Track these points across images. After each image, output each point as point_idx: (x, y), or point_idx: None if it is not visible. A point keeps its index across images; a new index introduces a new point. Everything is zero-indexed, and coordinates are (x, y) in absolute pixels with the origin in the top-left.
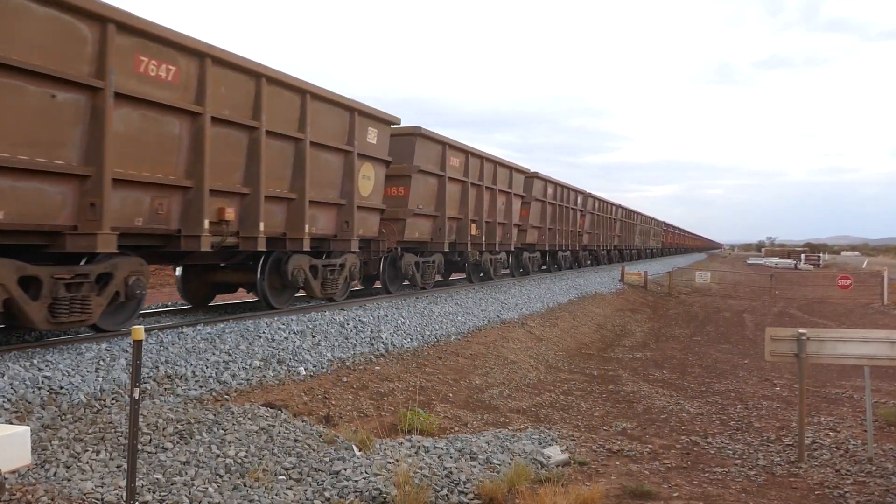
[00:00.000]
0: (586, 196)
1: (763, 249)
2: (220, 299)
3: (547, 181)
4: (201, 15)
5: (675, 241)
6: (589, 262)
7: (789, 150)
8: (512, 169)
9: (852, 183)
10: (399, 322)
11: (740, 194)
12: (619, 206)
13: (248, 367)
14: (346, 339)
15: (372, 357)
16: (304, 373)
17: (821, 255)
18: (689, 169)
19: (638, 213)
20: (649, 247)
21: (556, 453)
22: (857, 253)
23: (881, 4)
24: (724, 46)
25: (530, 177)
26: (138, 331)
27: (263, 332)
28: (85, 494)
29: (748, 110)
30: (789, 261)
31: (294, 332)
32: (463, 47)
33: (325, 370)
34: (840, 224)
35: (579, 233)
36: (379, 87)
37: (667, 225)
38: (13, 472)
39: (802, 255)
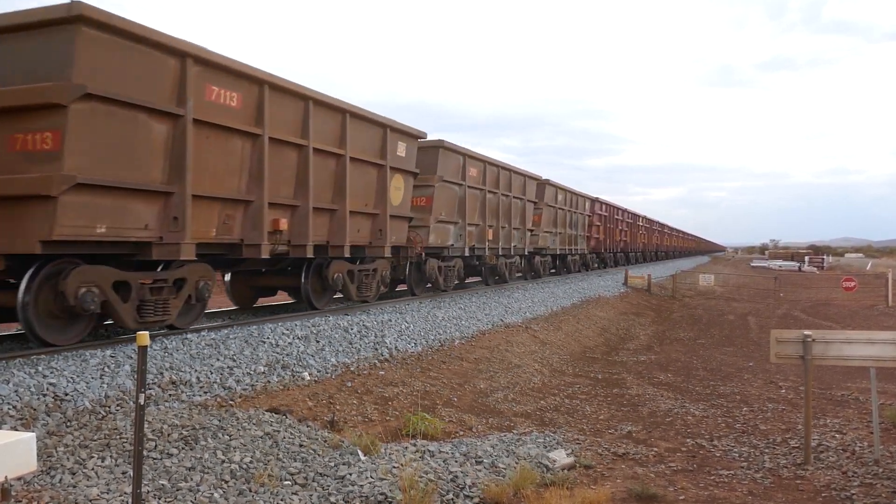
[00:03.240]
0: (543, 184)
1: (766, 252)
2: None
3: (468, 156)
4: (203, 16)
5: (654, 242)
6: (552, 269)
7: (793, 151)
8: (388, 128)
9: (856, 185)
10: (403, 326)
11: (744, 196)
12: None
13: (252, 372)
14: (351, 343)
15: (376, 362)
16: (309, 378)
17: (825, 257)
18: (693, 171)
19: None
20: (542, 249)
21: (561, 456)
22: (861, 255)
23: (884, 6)
24: (726, 48)
25: (431, 146)
26: (143, 336)
27: (268, 338)
28: (91, 500)
29: (751, 112)
30: (793, 263)
31: (298, 338)
32: (466, 52)
33: (329, 375)
34: (844, 226)
35: (531, 231)
36: (382, 92)
37: (609, 208)
38: (19, 478)
39: (806, 258)
